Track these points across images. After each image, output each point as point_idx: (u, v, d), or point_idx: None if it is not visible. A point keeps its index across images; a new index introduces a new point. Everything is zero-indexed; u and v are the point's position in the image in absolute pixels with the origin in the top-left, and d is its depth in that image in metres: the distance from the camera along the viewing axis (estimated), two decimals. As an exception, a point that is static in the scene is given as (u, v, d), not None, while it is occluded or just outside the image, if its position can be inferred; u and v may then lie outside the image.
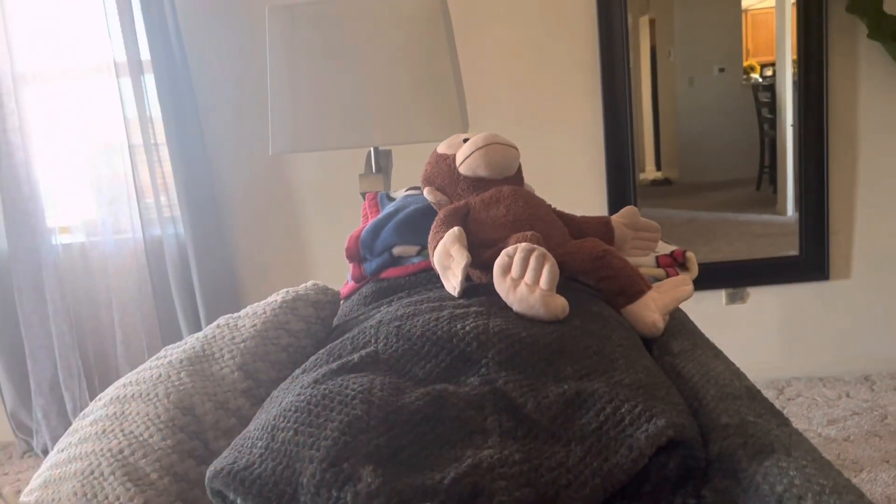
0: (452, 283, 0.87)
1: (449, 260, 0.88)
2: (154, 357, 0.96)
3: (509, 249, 0.82)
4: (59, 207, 2.56)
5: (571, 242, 0.95)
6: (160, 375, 0.88)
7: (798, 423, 2.18)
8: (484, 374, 0.70)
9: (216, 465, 0.65)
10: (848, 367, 2.50)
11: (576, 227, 1.05)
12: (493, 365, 0.71)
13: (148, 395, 0.86)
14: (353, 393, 0.67)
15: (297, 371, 0.78)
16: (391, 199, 1.22)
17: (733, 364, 0.80)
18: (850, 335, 2.49)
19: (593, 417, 0.64)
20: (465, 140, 1.04)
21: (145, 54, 2.37)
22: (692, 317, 2.47)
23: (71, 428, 0.92)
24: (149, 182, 2.47)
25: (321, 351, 0.80)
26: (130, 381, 0.91)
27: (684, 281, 0.89)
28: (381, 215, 1.10)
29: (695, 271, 1.06)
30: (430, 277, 1.01)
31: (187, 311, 2.49)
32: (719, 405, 0.69)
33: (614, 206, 2.47)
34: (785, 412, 2.26)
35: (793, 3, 2.38)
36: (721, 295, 2.50)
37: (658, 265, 1.07)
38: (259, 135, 2.43)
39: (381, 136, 1.44)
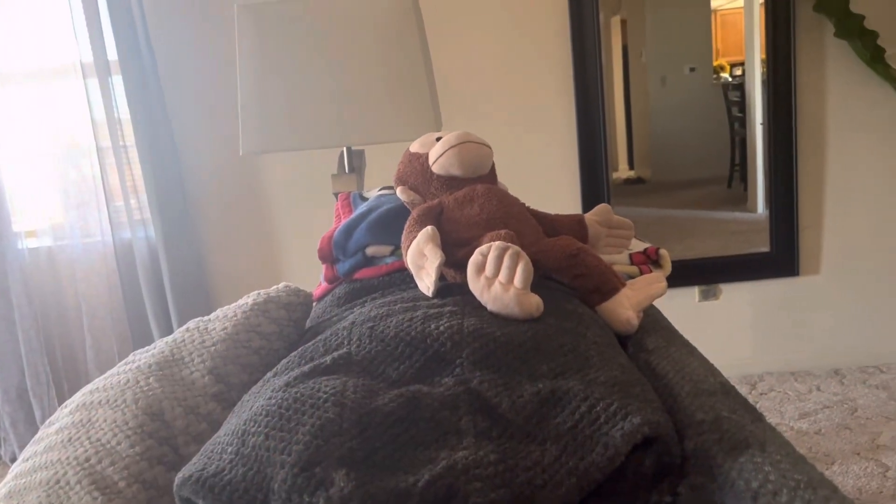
0: (426, 282, 0.86)
1: (422, 259, 0.88)
2: (122, 362, 0.94)
3: (483, 248, 0.81)
4: (26, 211, 2.51)
5: (545, 241, 0.94)
6: (128, 381, 0.86)
7: (771, 418, 2.20)
8: (458, 374, 0.70)
9: (185, 471, 0.64)
10: (818, 362, 2.53)
11: (549, 225, 1.04)
12: (467, 365, 0.70)
13: (115, 401, 0.84)
14: (325, 396, 0.65)
15: (269, 374, 0.77)
16: (364, 199, 1.21)
17: (707, 360, 0.80)
18: (819, 330, 2.53)
19: (568, 416, 0.63)
20: (438, 139, 1.03)
21: (112, 55, 2.33)
22: (666, 314, 2.49)
23: (36, 436, 0.90)
24: (118, 185, 2.43)
25: (293, 353, 0.79)
26: (97, 388, 0.89)
27: (658, 278, 0.89)
28: (353, 215, 1.09)
29: (668, 268, 1.06)
30: (403, 277, 1.00)
31: (159, 316, 2.46)
32: (694, 401, 0.69)
33: (588, 204, 2.48)
34: (758, 407, 2.29)
35: (761, 4, 2.41)
36: (694, 292, 2.52)
37: (632, 262, 1.07)
38: (230, 136, 2.40)
39: (353, 136, 1.43)
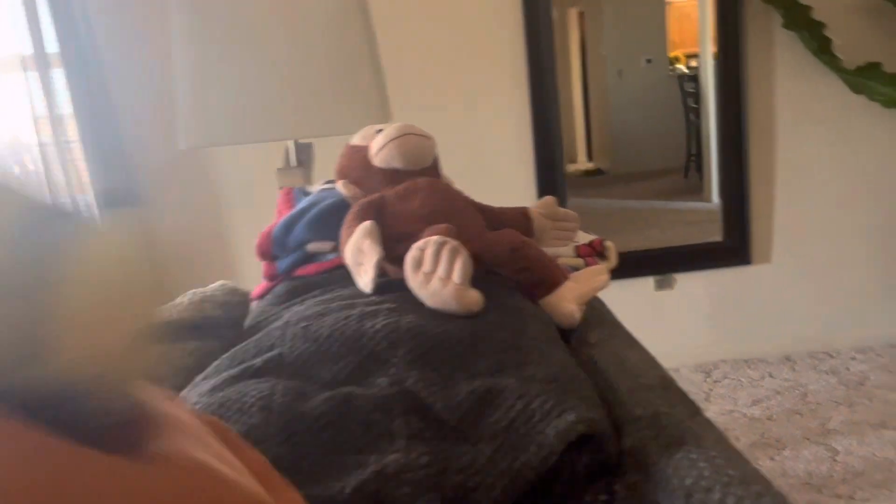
0: (364, 279, 0.84)
1: (361, 256, 0.85)
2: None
3: (420, 243, 0.79)
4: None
5: (488, 234, 0.93)
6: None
7: (724, 405, 2.23)
8: (393, 374, 0.68)
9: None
10: (771, 349, 2.57)
11: (494, 218, 1.03)
12: (403, 364, 0.68)
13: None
14: (251, 400, 0.63)
15: (198, 377, 0.74)
16: (307, 194, 1.18)
17: (648, 353, 0.80)
18: (771, 317, 2.57)
19: (503, 415, 0.62)
20: (379, 131, 1.01)
21: (53, 47, 2.25)
22: (622, 303, 2.50)
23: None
24: (63, 182, 2.35)
25: (224, 356, 0.76)
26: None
27: (600, 271, 0.88)
28: (294, 211, 1.06)
29: (614, 260, 1.06)
30: (345, 274, 0.97)
31: (107, 316, 2.39)
32: (633, 397, 0.68)
33: (544, 196, 2.47)
34: (712, 394, 2.32)
35: (713, -3, 2.43)
36: (650, 282, 2.54)
37: (577, 255, 1.06)
38: (176, 129, 2.34)
39: (298, 129, 1.39)
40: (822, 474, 1.83)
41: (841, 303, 2.56)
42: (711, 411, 2.19)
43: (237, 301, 0.92)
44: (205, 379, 0.72)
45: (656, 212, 2.95)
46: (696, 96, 2.74)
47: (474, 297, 0.76)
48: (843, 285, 2.55)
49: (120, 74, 2.34)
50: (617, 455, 0.62)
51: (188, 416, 0.37)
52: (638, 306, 2.54)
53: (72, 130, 2.30)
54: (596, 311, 0.93)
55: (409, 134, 0.97)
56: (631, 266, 2.65)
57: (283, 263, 1.03)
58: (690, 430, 0.61)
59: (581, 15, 2.78)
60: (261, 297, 1.05)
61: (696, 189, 2.79)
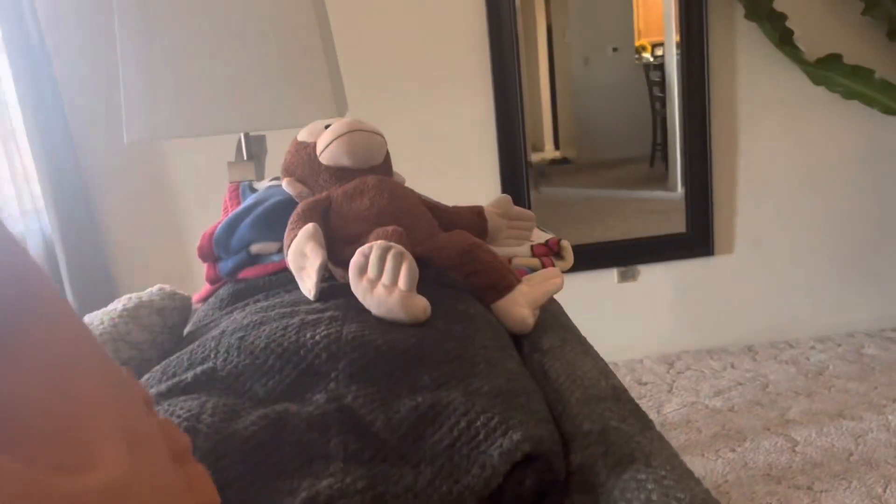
0: (307, 285, 0.80)
1: (304, 260, 0.81)
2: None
3: (364, 248, 0.76)
4: None
5: (439, 236, 0.89)
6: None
7: (687, 396, 2.23)
8: (332, 388, 0.64)
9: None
10: (732, 339, 2.59)
11: (447, 218, 0.99)
12: (343, 378, 0.65)
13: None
14: (178, 420, 0.59)
15: (126, 393, 0.69)
16: (255, 191, 1.13)
17: (602, 360, 0.77)
18: (733, 308, 2.58)
19: (446, 433, 0.59)
20: (328, 126, 0.96)
21: (-4, 32, 2.15)
22: (586, 295, 2.49)
23: None
24: (7, 174, 2.26)
25: (155, 368, 0.72)
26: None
27: (554, 273, 0.85)
28: (239, 209, 1.01)
29: (570, 260, 1.03)
30: (290, 277, 0.93)
31: (57, 312, 2.30)
32: (583, 409, 0.65)
33: (508, 187, 2.45)
34: (675, 386, 2.32)
35: (677, -14, 2.41)
36: (613, 273, 2.53)
37: (533, 254, 1.03)
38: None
39: (248, 122, 1.34)
40: (781, 465, 1.84)
41: (801, 293, 2.58)
42: (674, 403, 2.20)
43: (175, 306, 0.88)
44: (133, 395, 0.68)
45: (622, 202, 2.94)
46: (662, 85, 2.73)
47: (421, 305, 0.73)
48: (804, 275, 2.57)
49: (67, 60, 2.25)
50: (564, 473, 0.60)
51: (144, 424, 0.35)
52: (601, 298, 2.53)
53: (17, 118, 2.21)
54: (550, 314, 0.91)
55: (358, 130, 0.93)
56: (595, 258, 2.65)
57: (225, 265, 0.99)
58: (640, 445, 0.59)
59: (547, 2, 2.75)
60: (204, 300, 1.00)
61: (662, 178, 2.79)
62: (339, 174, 0.94)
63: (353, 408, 0.61)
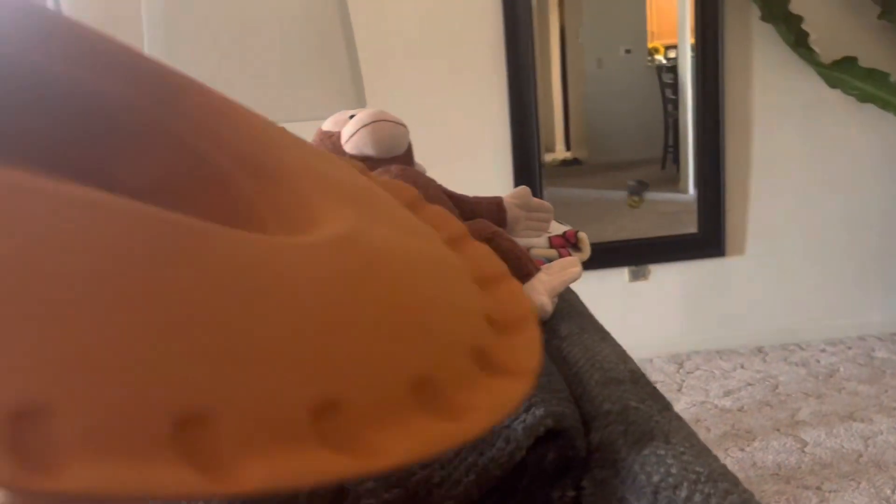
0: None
1: (329, 244, 0.83)
2: None
3: (390, 232, 0.78)
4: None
5: (460, 224, 0.91)
6: None
7: (696, 396, 2.25)
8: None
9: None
10: (743, 340, 2.60)
11: (467, 208, 1.01)
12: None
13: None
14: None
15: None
16: (278, 180, 1.15)
17: (620, 347, 0.79)
18: (744, 309, 2.59)
19: (471, 409, 0.61)
20: (352, 116, 0.98)
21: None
22: (597, 294, 2.51)
23: None
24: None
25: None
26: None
27: (573, 262, 0.87)
28: (263, 197, 1.03)
29: (587, 252, 1.05)
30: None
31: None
32: (603, 391, 0.67)
33: (520, 185, 2.46)
34: (685, 385, 2.33)
35: (692, -12, 2.42)
36: (624, 272, 2.55)
37: (550, 245, 1.05)
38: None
39: (270, 113, 1.36)
40: (790, 465, 1.85)
41: (812, 295, 2.59)
42: (683, 402, 2.21)
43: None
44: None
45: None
46: (675, 88, 2.74)
47: (444, 288, 0.75)
48: (815, 278, 2.58)
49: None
50: (585, 450, 0.61)
51: (365, 183, 0.37)
52: (612, 297, 2.55)
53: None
54: (568, 302, 0.92)
55: (382, 120, 0.95)
56: (606, 257, 2.66)
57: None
58: (659, 425, 0.60)
59: (561, 3, 2.77)
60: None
61: (673, 180, 2.80)
62: (363, 163, 0.96)
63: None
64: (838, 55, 2.31)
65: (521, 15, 2.35)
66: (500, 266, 0.38)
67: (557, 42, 2.78)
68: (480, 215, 1.00)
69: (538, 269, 0.86)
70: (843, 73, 2.29)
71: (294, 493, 0.53)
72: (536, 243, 1.04)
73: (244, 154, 0.34)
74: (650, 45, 2.91)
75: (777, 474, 1.82)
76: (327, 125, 1.00)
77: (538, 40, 2.45)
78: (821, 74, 2.33)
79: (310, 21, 1.36)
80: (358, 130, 0.94)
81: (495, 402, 0.29)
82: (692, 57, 2.47)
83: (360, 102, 1.45)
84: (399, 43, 2.32)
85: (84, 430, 0.16)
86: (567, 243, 1.04)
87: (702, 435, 2.02)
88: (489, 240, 0.87)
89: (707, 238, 2.53)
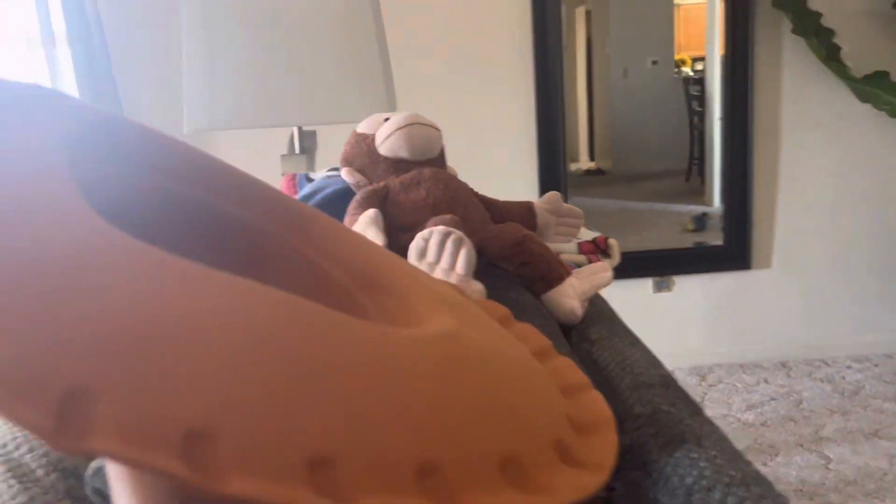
0: (367, 267, 0.83)
1: (364, 244, 0.85)
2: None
3: (425, 233, 0.79)
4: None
5: (491, 227, 0.92)
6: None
7: (719, 409, 2.23)
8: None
9: (97, 462, 0.60)
10: (766, 354, 2.57)
11: (498, 211, 1.02)
12: (403, 353, 0.68)
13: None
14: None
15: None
16: (311, 181, 1.17)
17: (650, 352, 0.79)
18: (769, 323, 2.57)
19: (504, 408, 0.61)
20: (386, 119, 1.00)
21: (59, 26, 2.23)
22: (620, 304, 2.50)
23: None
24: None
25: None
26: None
27: (604, 267, 0.88)
28: (297, 197, 1.05)
29: (616, 258, 1.05)
30: (346, 262, 0.97)
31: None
32: (633, 394, 0.68)
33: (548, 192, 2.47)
34: (707, 398, 2.32)
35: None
36: (648, 283, 2.54)
37: (580, 251, 1.06)
38: (180, 114, 2.33)
39: (304, 116, 1.38)
40: (814, 482, 1.83)
41: (839, 311, 2.56)
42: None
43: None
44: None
45: (656, 213, 2.95)
46: (701, 99, 2.73)
47: (478, 289, 0.76)
48: (842, 294, 2.55)
49: (124, 55, 2.33)
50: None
51: (461, 298, 0.44)
52: (635, 307, 2.54)
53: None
54: (597, 308, 0.93)
55: (417, 123, 0.96)
56: (630, 267, 2.65)
57: (284, 249, 1.03)
58: (691, 428, 0.61)
59: (588, 13, 2.78)
60: (261, 282, 1.04)
61: (697, 193, 2.79)
62: (397, 165, 0.97)
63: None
64: (870, 69, 2.29)
65: (550, 26, 2.36)
66: (582, 377, 0.44)
67: (584, 52, 2.79)
68: (511, 219, 1.01)
69: (569, 273, 0.87)
70: (874, 88, 2.27)
71: None
72: (566, 248, 1.05)
73: (360, 271, 0.42)
74: (677, 57, 2.90)
75: (801, 490, 1.80)
76: (362, 127, 1.02)
77: (566, 51, 2.46)
78: (852, 89, 2.31)
79: (346, 28, 1.38)
80: (393, 133, 0.96)
81: (574, 486, 0.34)
82: (721, 69, 2.47)
83: (392, 107, 1.47)
84: (429, 52, 2.34)
85: (241, 453, 0.21)
86: (597, 249, 1.04)
87: (724, 448, 2.00)
88: (520, 243, 0.88)
89: (733, 250, 2.52)
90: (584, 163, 2.99)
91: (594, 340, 0.81)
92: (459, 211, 0.91)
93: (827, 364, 2.52)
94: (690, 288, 2.55)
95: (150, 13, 2.30)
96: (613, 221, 2.87)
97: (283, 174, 1.48)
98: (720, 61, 2.48)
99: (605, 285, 0.87)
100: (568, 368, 0.44)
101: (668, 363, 2.56)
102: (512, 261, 0.88)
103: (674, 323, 2.56)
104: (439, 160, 1.01)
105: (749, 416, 2.18)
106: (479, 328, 0.40)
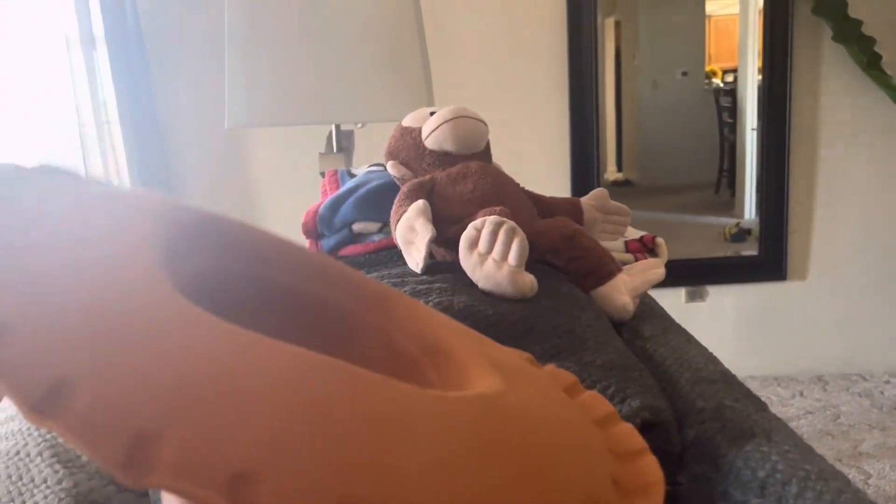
0: (416, 258, 0.82)
1: (412, 234, 0.83)
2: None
3: (477, 222, 0.78)
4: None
5: (540, 221, 0.91)
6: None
7: (754, 422, 2.18)
8: (447, 351, 0.66)
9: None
10: (802, 367, 2.52)
11: (545, 207, 1.01)
12: (457, 342, 0.66)
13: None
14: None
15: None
16: (352, 176, 1.16)
17: (706, 349, 0.77)
18: (804, 336, 2.51)
19: (564, 398, 0.60)
20: (432, 113, 0.99)
21: (98, 28, 2.26)
22: (652, 315, 2.47)
23: (-4, 406, 0.85)
24: (100, 164, 2.36)
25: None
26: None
27: (656, 264, 0.86)
28: (341, 190, 1.04)
29: (664, 257, 1.03)
30: (391, 256, 0.96)
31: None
32: (694, 389, 0.66)
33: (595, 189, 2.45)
34: (741, 411, 2.27)
35: (759, 10, 2.39)
36: (681, 293, 2.50)
37: (627, 250, 1.04)
38: (216, 112, 2.34)
39: (343, 114, 1.38)
40: (854, 497, 1.78)
41: (877, 325, 2.50)
42: (740, 427, 2.15)
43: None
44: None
45: (684, 225, 2.91)
46: (732, 111, 2.70)
47: (529, 281, 0.74)
48: (880, 307, 2.49)
49: (162, 56, 2.35)
50: (679, 446, 0.60)
51: (526, 365, 0.49)
52: (667, 317, 2.50)
53: (112, 113, 2.31)
54: (646, 305, 0.91)
55: (464, 116, 0.95)
56: (662, 276, 2.61)
57: (327, 242, 1.02)
58: (758, 423, 0.59)
59: (618, 24, 2.76)
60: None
61: (727, 205, 2.75)
62: (443, 159, 0.96)
63: (470, 369, 0.63)
64: (911, 79, 2.25)
65: (585, 35, 2.34)
66: (641, 442, 0.45)
67: (613, 63, 2.77)
68: (557, 214, 0.99)
69: (620, 269, 0.85)
70: (916, 97, 2.23)
71: None
72: (613, 247, 1.03)
73: (426, 342, 0.47)
74: (707, 68, 2.87)
75: (840, 506, 1.75)
76: (407, 121, 1.01)
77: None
78: (893, 98, 2.27)
79: (388, 28, 1.38)
80: (439, 126, 0.95)
81: None
82: (758, 79, 2.43)
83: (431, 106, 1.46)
84: (466, 56, 2.33)
85: (279, 496, 0.24)
86: (644, 248, 1.02)
87: (759, 462, 1.96)
88: (571, 237, 0.86)
89: (768, 261, 2.47)
90: (611, 173, 2.97)
91: (647, 337, 0.79)
92: (507, 204, 0.90)
93: (864, 379, 2.46)
94: (724, 298, 2.50)
95: (187, 15, 2.32)
96: (642, 231, 2.84)
97: (321, 172, 1.47)
98: (755, 70, 2.44)
99: (658, 282, 0.85)
100: (627, 434, 0.46)
101: (700, 375, 2.52)
102: (562, 255, 0.86)
103: (706, 333, 2.50)
104: (485, 154, 1.00)
105: (784, 430, 2.13)
106: (530, 391, 0.42)
